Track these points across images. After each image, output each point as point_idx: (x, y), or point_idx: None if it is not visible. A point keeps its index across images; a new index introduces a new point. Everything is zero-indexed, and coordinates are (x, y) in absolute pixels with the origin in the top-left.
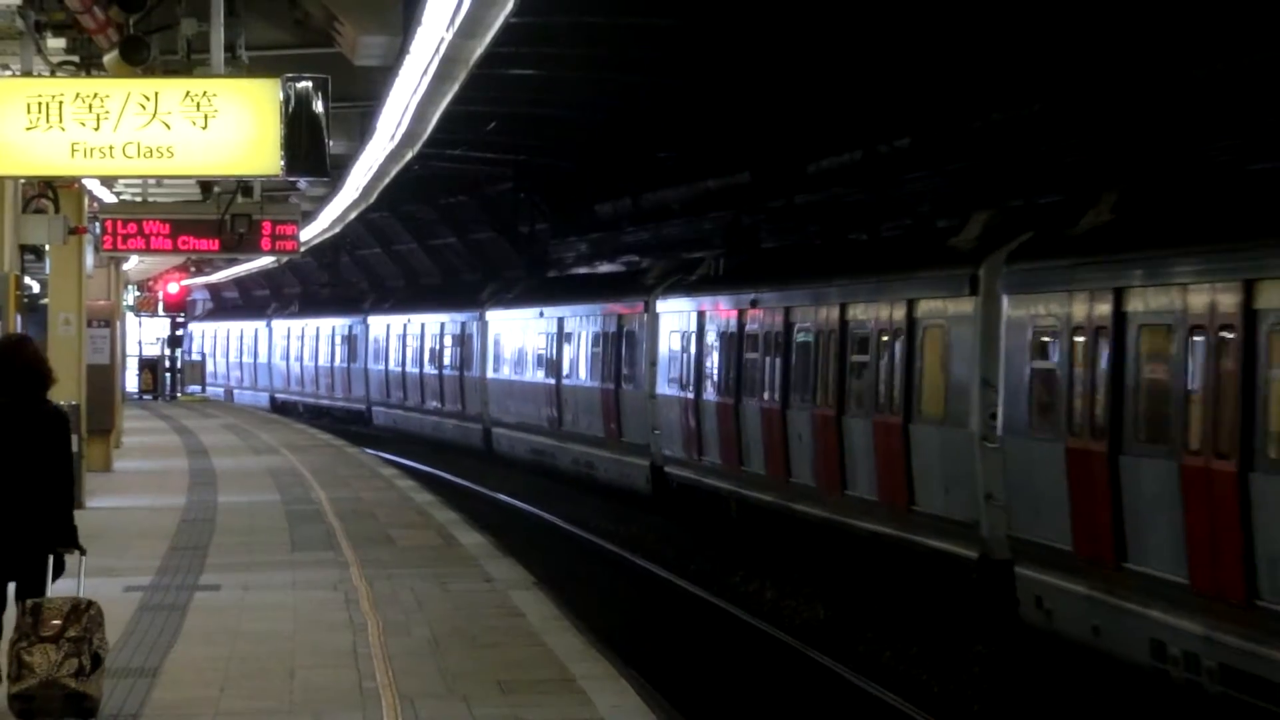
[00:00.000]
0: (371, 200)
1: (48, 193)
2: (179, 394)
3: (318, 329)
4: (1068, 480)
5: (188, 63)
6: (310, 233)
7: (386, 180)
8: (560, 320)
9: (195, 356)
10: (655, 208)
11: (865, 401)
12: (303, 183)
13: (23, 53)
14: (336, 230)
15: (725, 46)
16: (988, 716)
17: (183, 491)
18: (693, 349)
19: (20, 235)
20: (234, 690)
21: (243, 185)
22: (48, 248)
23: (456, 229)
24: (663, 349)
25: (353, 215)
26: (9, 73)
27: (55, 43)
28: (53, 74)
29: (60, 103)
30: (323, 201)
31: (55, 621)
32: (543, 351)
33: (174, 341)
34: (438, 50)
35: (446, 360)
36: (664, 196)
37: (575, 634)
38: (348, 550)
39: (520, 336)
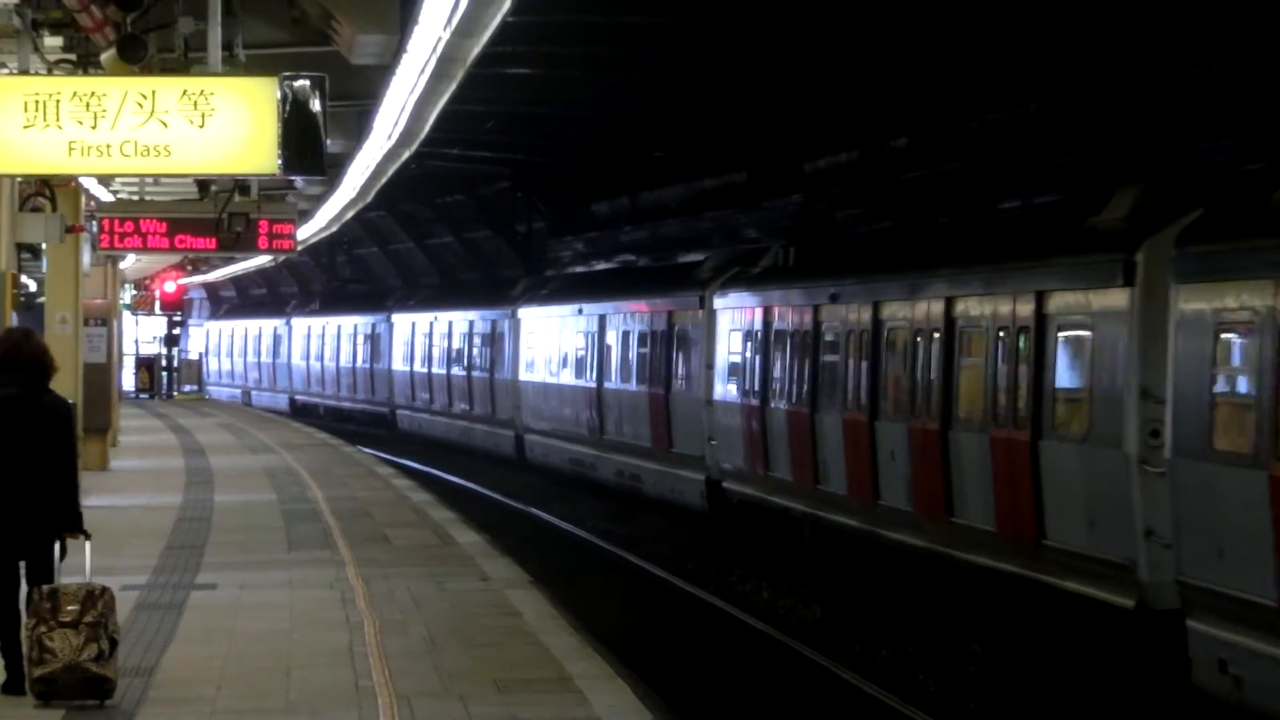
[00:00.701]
0: (369, 199)
1: (45, 191)
2: (175, 393)
3: (339, 327)
4: (1272, 516)
5: (185, 61)
6: (307, 232)
7: (384, 179)
8: (602, 318)
9: (212, 356)
10: (653, 207)
11: (978, 414)
12: (300, 182)
13: (20, 51)
14: (334, 229)
15: (723, 46)
16: (984, 716)
17: (179, 490)
18: (758, 350)
19: (17, 234)
20: (230, 689)
21: (240, 184)
22: (44, 246)
23: (453, 228)
24: (721, 350)
25: (350, 214)
26: (6, 71)
27: (52, 41)
28: (50, 72)
29: (57, 101)
30: (320, 200)
31: (72, 607)
32: (582, 352)
33: (171, 340)
34: (435, 49)
35: (475, 361)
36: (661, 196)
37: (572, 633)
38: (344, 549)
39: (557, 335)
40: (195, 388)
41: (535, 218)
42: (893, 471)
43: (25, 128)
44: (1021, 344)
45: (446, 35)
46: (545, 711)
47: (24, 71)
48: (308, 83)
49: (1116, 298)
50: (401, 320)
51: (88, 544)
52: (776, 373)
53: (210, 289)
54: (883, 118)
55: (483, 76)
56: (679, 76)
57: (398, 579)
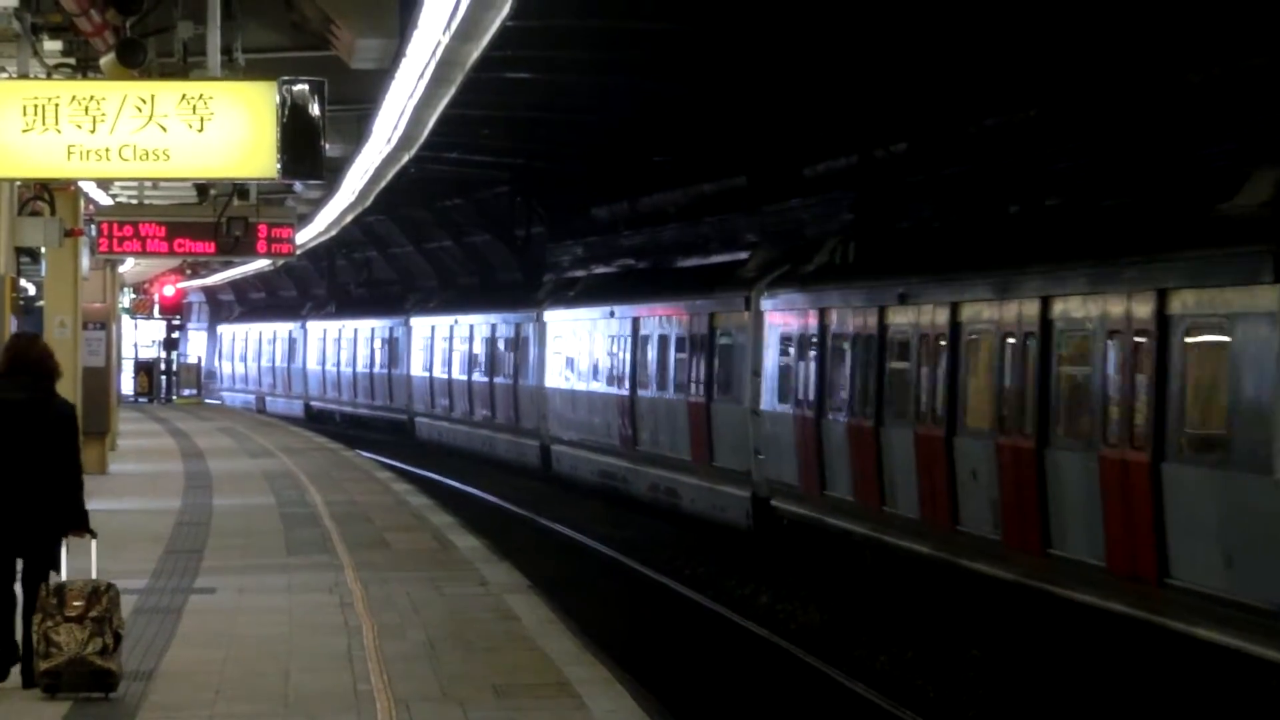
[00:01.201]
0: (368, 204)
1: (44, 195)
2: (174, 397)
3: (355, 331)
4: None
5: (184, 65)
6: (306, 235)
7: (383, 184)
8: (635, 321)
9: (225, 360)
10: (652, 212)
11: (1084, 430)
12: (299, 186)
13: (19, 55)
14: (333, 233)
15: (722, 51)
16: None
17: (178, 494)
18: (812, 356)
19: (16, 238)
20: (229, 693)
21: (239, 188)
22: (43, 250)
23: (452, 233)
24: (770, 355)
25: (349, 218)
26: (5, 75)
27: (52, 45)
28: (49, 76)
29: (56, 105)
30: (319, 204)
31: (78, 603)
32: (614, 357)
33: (170, 344)
34: (434, 53)
35: (498, 366)
36: (661, 201)
37: (570, 638)
38: (343, 553)
39: (586, 339)
40: (194, 391)
41: (534, 222)
42: (974, 494)
43: (24, 131)
44: (1138, 350)
45: (446, 39)
46: (544, 716)
47: (23, 75)
48: (307, 87)
49: (1262, 296)
50: (420, 323)
51: (93, 542)
52: (834, 381)
53: (209, 293)
54: (882, 123)
55: (482, 81)
56: (678, 81)
57: (396, 583)
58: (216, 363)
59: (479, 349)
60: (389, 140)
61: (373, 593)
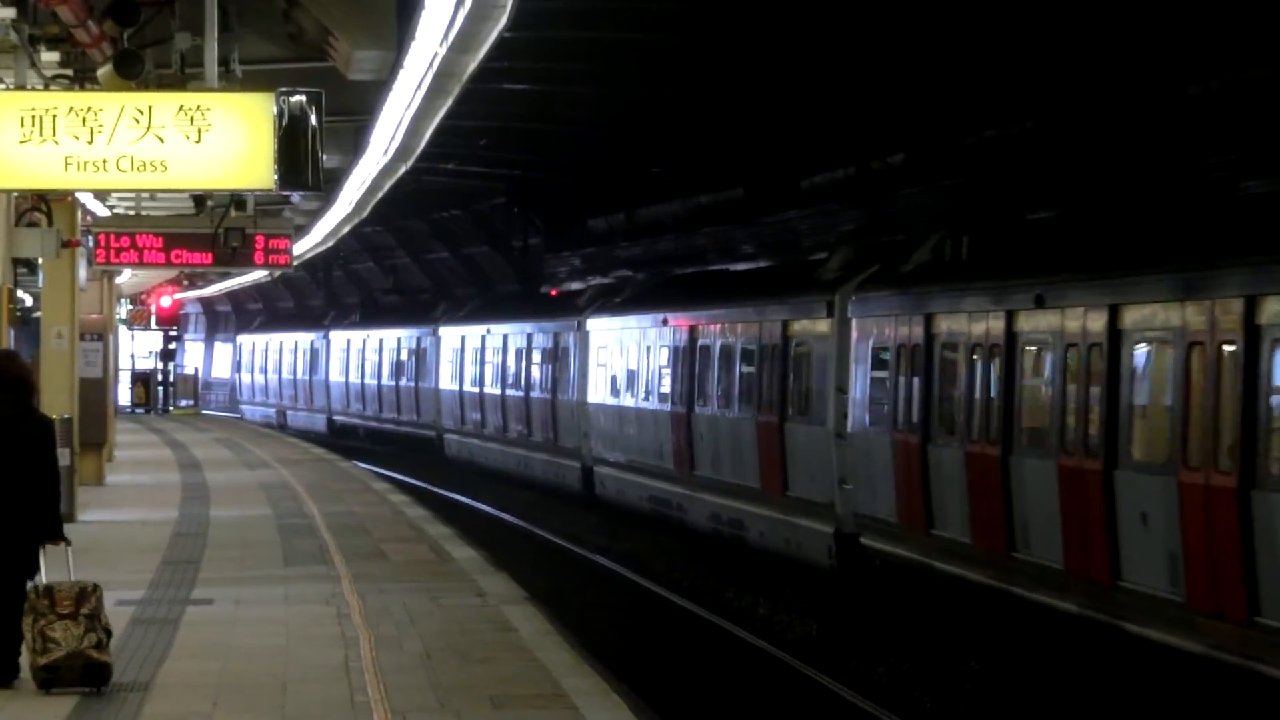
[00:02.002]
0: (365, 214)
1: (41, 206)
2: (171, 408)
3: (381, 341)
4: None
5: (181, 77)
6: (303, 247)
7: (380, 194)
8: (693, 329)
9: (244, 372)
10: (649, 223)
11: None
12: (296, 197)
13: (17, 66)
14: (330, 244)
15: (720, 63)
16: None
17: (175, 505)
18: (917, 369)
19: (13, 248)
20: (226, 704)
21: (236, 199)
22: (40, 261)
23: (450, 243)
24: (859, 369)
25: (346, 229)
26: (3, 86)
27: (49, 56)
28: (46, 87)
29: (54, 116)
30: (316, 215)
31: (68, 601)
32: (667, 370)
33: (166, 355)
34: (431, 65)
35: (535, 380)
36: (658, 212)
37: (567, 649)
38: (340, 565)
39: (635, 351)
40: (191, 402)
41: (531, 233)
42: (1144, 542)
43: (22, 143)
44: None
45: (443, 51)
46: None
47: (20, 87)
48: (304, 98)
49: None
50: (449, 333)
51: (69, 550)
52: (945, 400)
53: (206, 304)
54: (880, 134)
55: (479, 92)
56: (676, 93)
57: (393, 594)
58: (235, 375)
59: (513, 361)
60: (386, 151)
61: (370, 604)
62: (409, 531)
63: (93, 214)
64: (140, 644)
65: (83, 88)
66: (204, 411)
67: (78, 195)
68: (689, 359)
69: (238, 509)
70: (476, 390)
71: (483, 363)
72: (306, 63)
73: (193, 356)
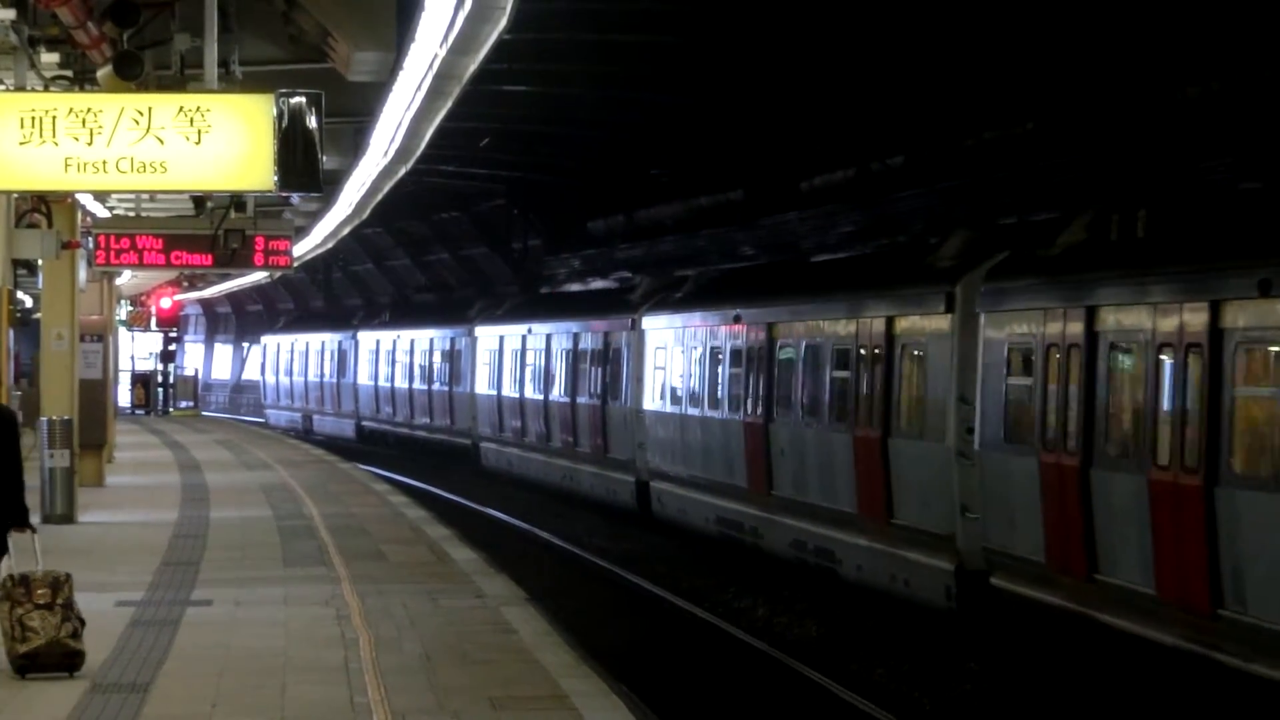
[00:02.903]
0: (365, 216)
1: (41, 207)
2: (171, 409)
3: (412, 342)
4: None
5: (181, 78)
6: (303, 248)
7: (380, 196)
8: (769, 328)
9: (269, 374)
10: (649, 225)
11: None
12: (295, 198)
13: (16, 67)
14: (330, 245)
15: (720, 65)
16: None
17: (175, 506)
18: (1074, 375)
19: (13, 250)
20: (225, 706)
21: (236, 201)
22: (40, 262)
23: (449, 245)
24: (992, 374)
25: (346, 231)
26: (2, 87)
27: (49, 57)
28: (46, 89)
29: (54, 117)
30: (316, 217)
31: (43, 590)
32: (740, 374)
33: (166, 356)
34: (431, 66)
35: (580, 384)
36: (658, 214)
37: (567, 650)
38: (340, 566)
39: (700, 352)
40: (191, 404)
41: (531, 235)
42: None
43: (21, 144)
44: None
45: (443, 53)
46: None
47: (20, 88)
48: (304, 99)
49: None
50: (486, 333)
51: (35, 537)
52: (1114, 413)
53: (206, 305)
54: (878, 136)
55: (479, 93)
56: (676, 94)
57: (393, 596)
58: (260, 377)
59: (558, 363)
60: (386, 153)
61: (369, 605)
62: (408, 533)
63: (92, 215)
64: (140, 645)
65: (82, 89)
66: (204, 413)
67: (77, 196)
68: (766, 362)
69: (237, 510)
70: (516, 395)
71: (523, 365)
72: (306, 64)
73: (193, 358)
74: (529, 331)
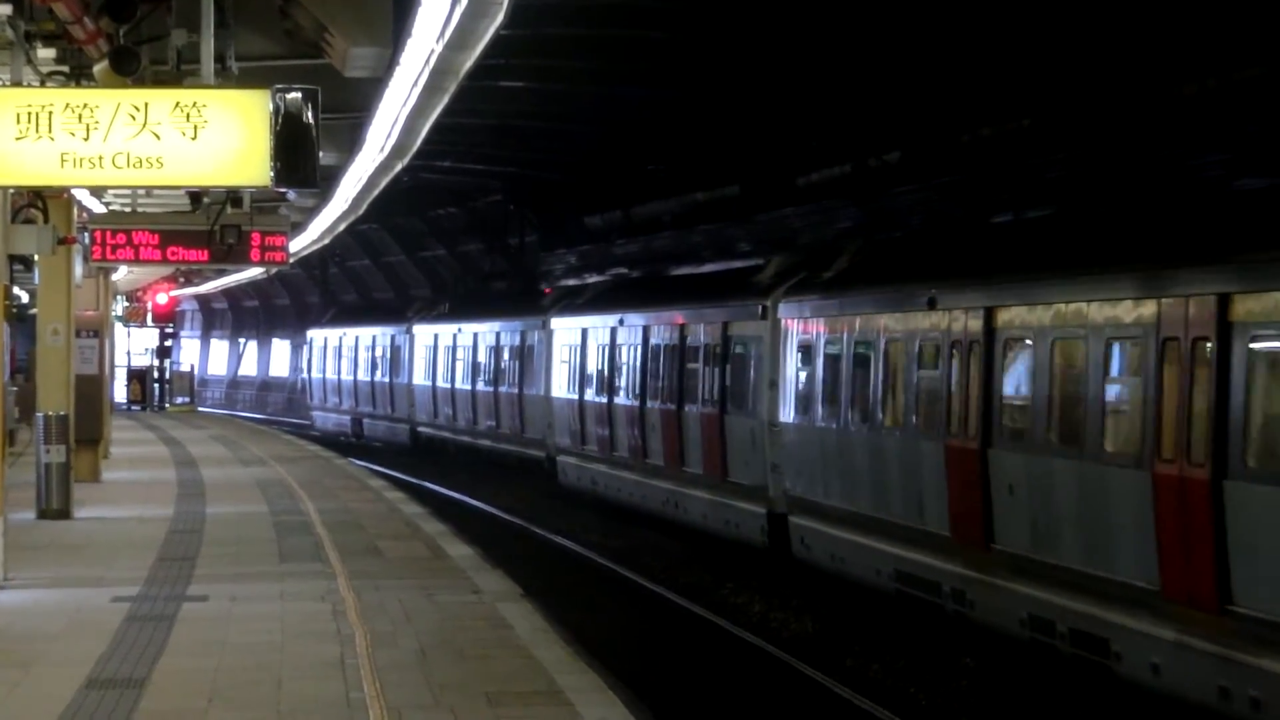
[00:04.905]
0: (361, 212)
1: (37, 203)
2: (167, 405)
3: (475, 336)
4: None
5: (178, 73)
6: (299, 244)
7: (376, 192)
8: (988, 314)
9: (316, 372)
10: (645, 220)
11: None
12: (292, 194)
13: (12, 63)
14: (326, 241)
15: (716, 61)
16: None
17: (170, 502)
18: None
19: (9, 245)
20: (221, 701)
21: (232, 196)
22: (36, 258)
23: (446, 241)
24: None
25: (342, 227)
26: None
27: (45, 53)
28: (42, 84)
29: (50, 113)
30: (312, 213)
31: None
32: (936, 382)
33: (162, 352)
34: (427, 62)
35: (689, 387)
36: (654, 209)
37: (563, 646)
38: (335, 561)
39: (869, 350)
40: (188, 399)
41: (527, 230)
42: None
43: (18, 139)
44: None
45: (439, 48)
46: None
47: (16, 83)
48: (300, 95)
49: None
50: (565, 326)
51: None
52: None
53: (202, 301)
54: (876, 132)
55: (475, 89)
56: (672, 90)
57: (389, 591)
58: (305, 375)
59: (659, 362)
60: (382, 148)
61: (365, 601)
62: (404, 528)
63: (89, 211)
64: (136, 640)
65: (79, 84)
66: (200, 409)
67: (74, 192)
68: (983, 363)
69: (233, 506)
70: (603, 399)
71: (612, 363)
72: (303, 59)
73: (189, 353)
74: (620, 322)
